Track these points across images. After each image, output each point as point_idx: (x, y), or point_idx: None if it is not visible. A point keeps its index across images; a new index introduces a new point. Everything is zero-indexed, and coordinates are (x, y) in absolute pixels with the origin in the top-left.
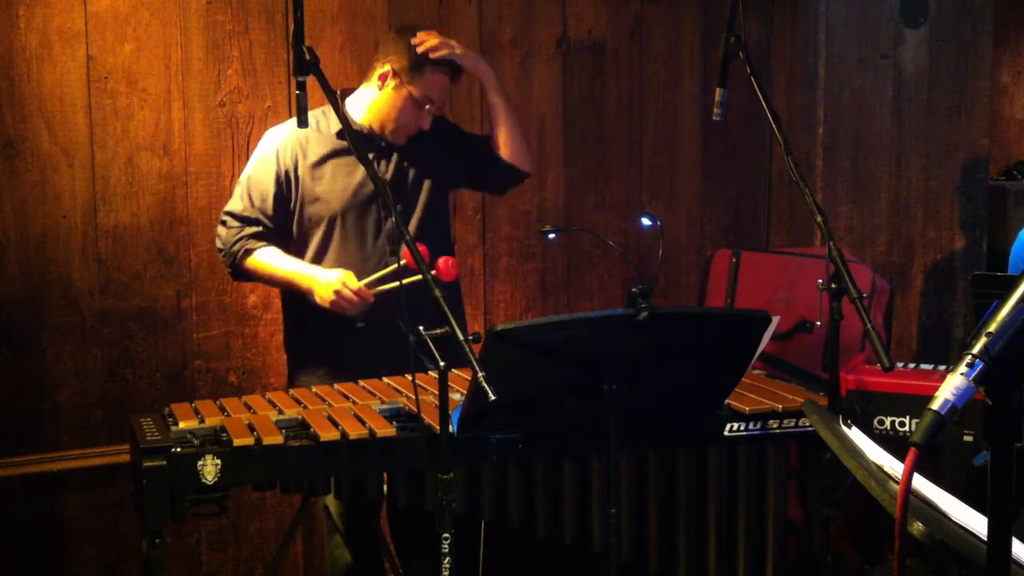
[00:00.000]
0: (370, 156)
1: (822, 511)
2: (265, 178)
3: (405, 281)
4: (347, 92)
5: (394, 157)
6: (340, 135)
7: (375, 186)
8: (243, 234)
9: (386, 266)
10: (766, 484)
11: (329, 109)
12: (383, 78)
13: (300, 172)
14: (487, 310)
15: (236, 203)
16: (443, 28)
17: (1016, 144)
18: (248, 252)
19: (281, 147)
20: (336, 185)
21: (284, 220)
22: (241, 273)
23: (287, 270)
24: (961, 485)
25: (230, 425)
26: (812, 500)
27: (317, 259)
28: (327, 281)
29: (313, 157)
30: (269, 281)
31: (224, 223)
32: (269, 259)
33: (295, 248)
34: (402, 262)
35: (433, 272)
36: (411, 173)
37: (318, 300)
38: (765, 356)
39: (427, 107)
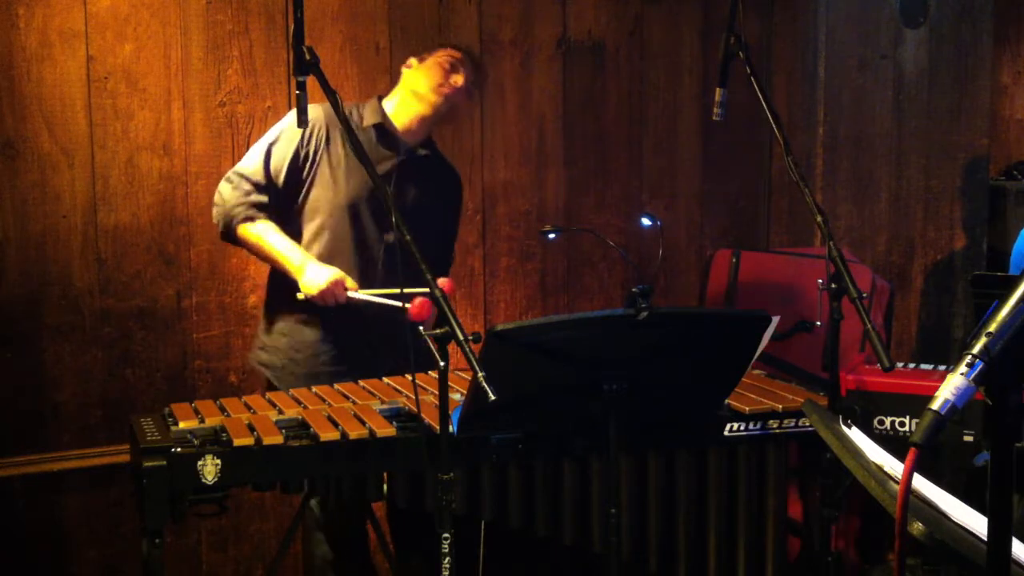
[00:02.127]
0: (392, 156)
1: (822, 511)
2: (286, 147)
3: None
4: (383, 96)
5: (410, 164)
6: (373, 129)
7: (375, 186)
8: (248, 200)
9: (376, 275)
10: (766, 484)
11: (363, 105)
12: (409, 65)
13: (321, 154)
14: (487, 310)
15: (249, 166)
16: (443, 28)
17: (1016, 144)
18: (248, 219)
19: (314, 121)
20: (351, 178)
21: (289, 197)
22: (231, 236)
23: (281, 251)
24: (961, 485)
25: (230, 425)
26: (812, 500)
27: (306, 248)
28: (323, 278)
29: (338, 144)
30: (257, 253)
31: (230, 181)
32: (265, 233)
33: (289, 230)
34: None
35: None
36: (423, 184)
37: (302, 287)
38: (765, 356)
39: (460, 71)
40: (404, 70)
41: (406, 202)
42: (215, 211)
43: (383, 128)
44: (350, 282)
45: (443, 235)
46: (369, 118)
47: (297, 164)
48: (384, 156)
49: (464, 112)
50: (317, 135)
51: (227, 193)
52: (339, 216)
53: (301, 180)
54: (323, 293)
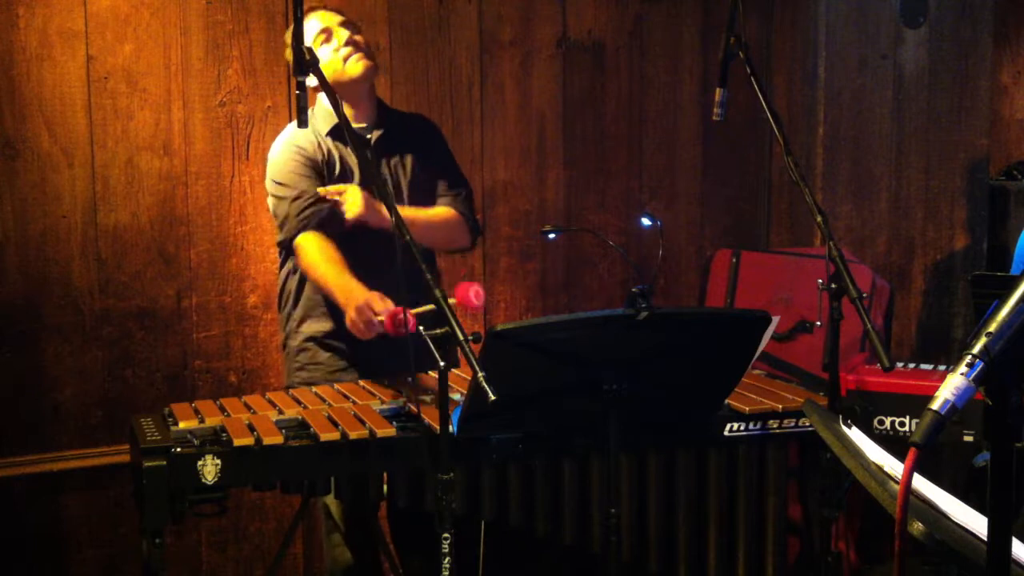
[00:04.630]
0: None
1: (822, 511)
2: (306, 164)
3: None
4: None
5: (380, 145)
6: (330, 135)
7: (375, 186)
8: (312, 208)
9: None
10: (766, 484)
11: (317, 113)
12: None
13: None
14: (487, 310)
15: (287, 187)
16: (443, 28)
17: (1016, 144)
18: (307, 226)
19: (303, 140)
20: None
21: None
22: (291, 248)
23: (332, 276)
24: (961, 485)
25: (230, 425)
26: (812, 500)
27: None
28: (355, 300)
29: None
30: (309, 271)
31: (281, 197)
32: (321, 250)
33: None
34: (451, 300)
35: (453, 301)
36: (404, 152)
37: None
38: (765, 356)
39: (335, 35)
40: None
41: (394, 181)
42: (279, 226)
43: (339, 129)
44: (378, 304)
45: (446, 180)
46: (323, 125)
47: (322, 171)
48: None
49: (371, 53)
50: (312, 147)
51: (281, 209)
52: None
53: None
54: (357, 313)
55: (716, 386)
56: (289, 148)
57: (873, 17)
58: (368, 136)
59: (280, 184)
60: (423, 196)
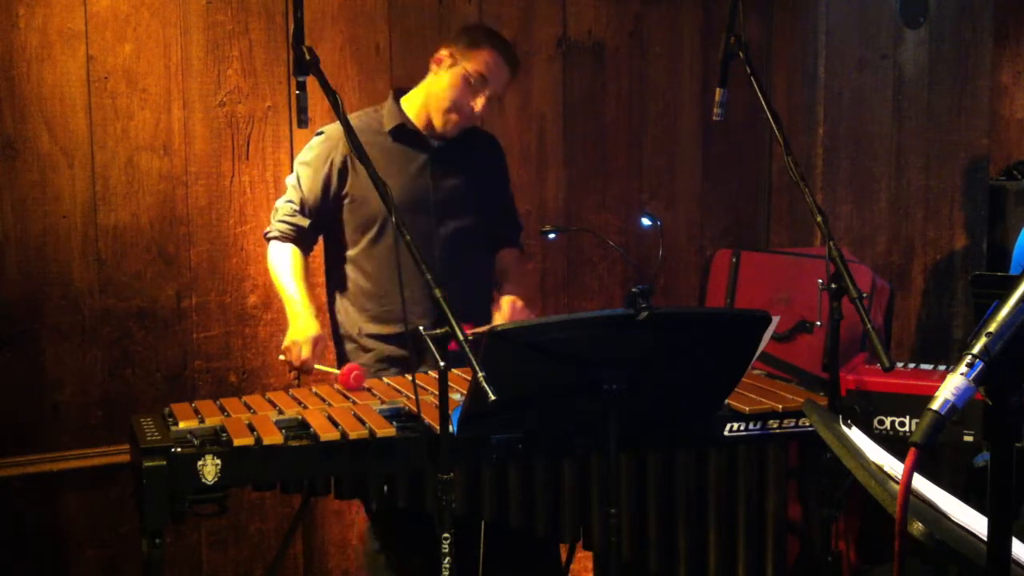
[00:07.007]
0: (421, 152)
1: (822, 511)
2: (315, 172)
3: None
4: (403, 91)
5: (443, 152)
6: (392, 133)
7: (375, 186)
8: (294, 220)
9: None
10: (766, 484)
11: (381, 107)
12: (438, 61)
13: (349, 171)
14: None
15: (292, 191)
16: (443, 28)
17: (1016, 144)
18: (277, 238)
19: (334, 143)
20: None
21: (331, 217)
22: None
23: (287, 292)
24: (961, 485)
25: (230, 425)
26: (812, 500)
27: (363, 259)
28: (293, 333)
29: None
30: (271, 274)
31: (291, 184)
32: (280, 264)
33: (340, 243)
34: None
35: (337, 376)
36: (464, 164)
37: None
38: (765, 356)
39: (483, 90)
40: (432, 65)
41: (450, 191)
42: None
43: (404, 128)
44: (308, 349)
45: (502, 205)
46: (388, 121)
47: (330, 186)
48: (411, 156)
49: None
50: (342, 151)
51: (280, 207)
52: (385, 223)
53: (341, 198)
54: (287, 347)
55: (716, 386)
56: (327, 147)
57: (873, 17)
58: (432, 142)
59: (297, 171)
60: (464, 212)
